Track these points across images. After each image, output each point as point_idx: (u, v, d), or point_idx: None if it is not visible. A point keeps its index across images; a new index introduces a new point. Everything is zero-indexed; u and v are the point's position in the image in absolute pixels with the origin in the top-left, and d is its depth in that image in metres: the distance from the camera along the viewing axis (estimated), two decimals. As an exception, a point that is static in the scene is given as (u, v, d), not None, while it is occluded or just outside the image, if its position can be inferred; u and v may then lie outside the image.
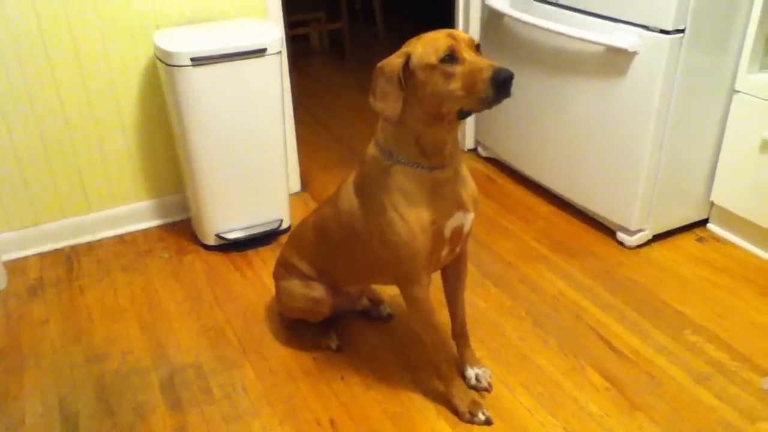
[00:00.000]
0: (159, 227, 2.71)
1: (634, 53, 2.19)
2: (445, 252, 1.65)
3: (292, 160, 2.86)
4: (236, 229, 2.51)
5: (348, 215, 1.68)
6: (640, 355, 1.93)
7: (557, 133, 2.64)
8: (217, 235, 2.49)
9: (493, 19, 2.87)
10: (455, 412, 1.75)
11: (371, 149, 1.60)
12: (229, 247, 2.52)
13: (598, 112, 2.41)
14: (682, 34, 2.10)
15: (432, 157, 1.53)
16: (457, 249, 1.70)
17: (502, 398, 1.80)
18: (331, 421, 1.75)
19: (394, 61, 1.45)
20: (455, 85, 1.40)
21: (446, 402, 1.77)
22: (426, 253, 1.58)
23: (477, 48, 1.45)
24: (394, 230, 1.56)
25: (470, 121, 3.26)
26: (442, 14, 3.30)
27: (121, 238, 2.63)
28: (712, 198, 2.47)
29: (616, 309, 2.13)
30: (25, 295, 2.31)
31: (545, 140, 2.72)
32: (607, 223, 2.54)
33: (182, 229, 2.67)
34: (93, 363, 1.99)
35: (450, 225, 1.60)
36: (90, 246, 2.59)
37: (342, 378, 1.89)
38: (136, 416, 1.79)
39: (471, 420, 1.72)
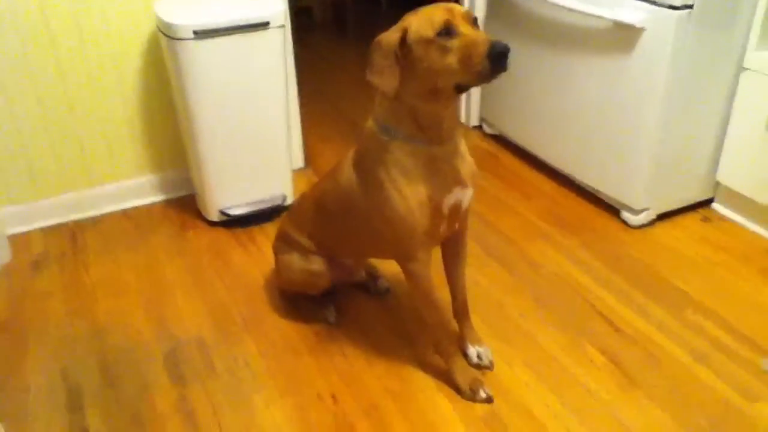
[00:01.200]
0: (162, 202, 2.71)
1: (642, 29, 2.16)
2: (443, 228, 1.64)
3: (296, 136, 2.84)
4: (239, 205, 2.51)
5: (347, 190, 1.69)
6: (640, 333, 1.94)
7: (562, 110, 2.62)
8: (221, 211, 2.49)
9: (499, -7, 2.84)
10: (456, 389, 1.76)
11: (369, 125, 1.60)
12: (232, 222, 2.52)
13: (604, 89, 2.39)
14: (690, 10, 2.07)
15: (429, 133, 1.52)
16: (456, 225, 1.70)
17: (502, 374, 1.81)
18: (333, 396, 1.76)
19: (391, 36, 1.44)
20: (451, 59, 1.38)
21: (447, 379, 1.78)
22: (423, 229, 1.58)
23: (474, 21, 1.43)
24: (392, 206, 1.56)
25: (475, 98, 3.23)
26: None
27: (124, 213, 2.64)
28: (718, 177, 2.45)
29: (618, 287, 2.13)
30: (29, 269, 2.32)
31: (550, 118, 2.70)
32: (611, 202, 2.53)
33: (186, 205, 2.67)
34: (96, 337, 2.00)
35: (448, 201, 1.59)
36: (94, 220, 2.59)
37: (344, 354, 1.90)
38: (139, 390, 1.81)
39: (472, 397, 1.73)
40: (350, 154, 1.70)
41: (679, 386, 1.75)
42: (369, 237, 1.71)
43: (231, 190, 2.48)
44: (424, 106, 1.49)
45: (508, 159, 2.98)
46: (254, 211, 2.52)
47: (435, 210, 1.58)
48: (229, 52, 2.23)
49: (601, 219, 2.50)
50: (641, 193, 2.37)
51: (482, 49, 1.34)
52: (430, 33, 1.39)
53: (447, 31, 1.38)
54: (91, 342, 1.98)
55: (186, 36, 2.15)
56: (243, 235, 2.48)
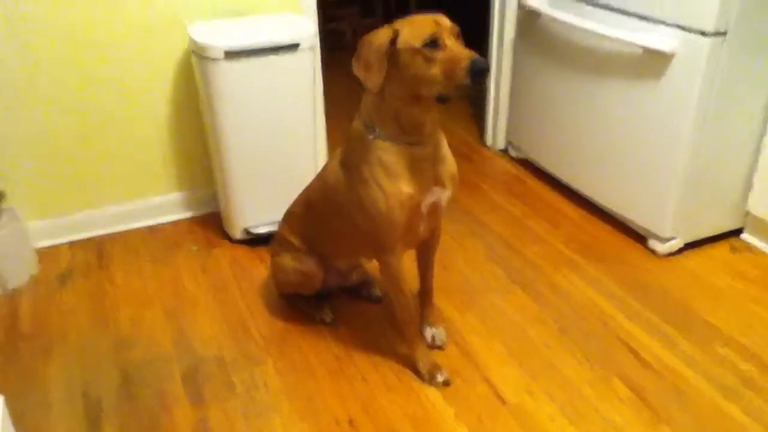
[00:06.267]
0: (188, 219, 2.73)
1: (672, 55, 2.14)
2: (423, 227, 1.73)
3: (322, 156, 2.85)
4: (264, 224, 2.51)
5: (333, 188, 1.77)
6: (667, 366, 1.89)
7: (590, 135, 2.59)
8: (246, 230, 2.50)
9: (529, 17, 2.83)
10: (416, 372, 1.87)
11: (355, 124, 1.68)
12: (256, 241, 2.53)
13: (632, 115, 2.36)
14: (723, 37, 2.04)
15: (411, 134, 1.60)
16: (436, 223, 1.80)
17: (524, 405, 1.77)
18: (350, 421, 1.74)
19: (382, 35, 1.53)
20: (435, 70, 1.47)
21: (410, 364, 1.89)
22: (402, 225, 1.65)
23: (459, 35, 1.52)
24: (374, 201, 1.63)
25: (502, 122, 3.22)
26: (478, 13, 3.26)
27: (150, 229, 2.66)
28: (748, 207, 2.40)
29: (645, 318, 2.09)
30: (55, 281, 2.35)
31: (578, 142, 2.68)
32: (638, 230, 2.49)
33: (211, 222, 2.69)
34: (118, 351, 2.01)
35: (427, 200, 1.67)
36: (120, 236, 2.62)
37: (364, 378, 1.88)
38: (158, 406, 1.81)
39: (430, 381, 1.83)
40: (337, 152, 1.78)
41: (706, 422, 1.70)
42: (352, 234, 1.77)
43: (256, 209, 2.49)
44: (406, 109, 1.57)
45: (534, 184, 2.96)
46: (278, 230, 2.53)
47: (414, 209, 1.65)
48: (259, 73, 2.25)
49: (628, 247, 2.46)
50: (669, 221, 2.33)
51: (465, 63, 1.44)
52: (417, 42, 1.47)
53: (433, 43, 1.47)
54: (113, 356, 1.99)
55: (217, 56, 2.18)
56: (266, 254, 2.47)
